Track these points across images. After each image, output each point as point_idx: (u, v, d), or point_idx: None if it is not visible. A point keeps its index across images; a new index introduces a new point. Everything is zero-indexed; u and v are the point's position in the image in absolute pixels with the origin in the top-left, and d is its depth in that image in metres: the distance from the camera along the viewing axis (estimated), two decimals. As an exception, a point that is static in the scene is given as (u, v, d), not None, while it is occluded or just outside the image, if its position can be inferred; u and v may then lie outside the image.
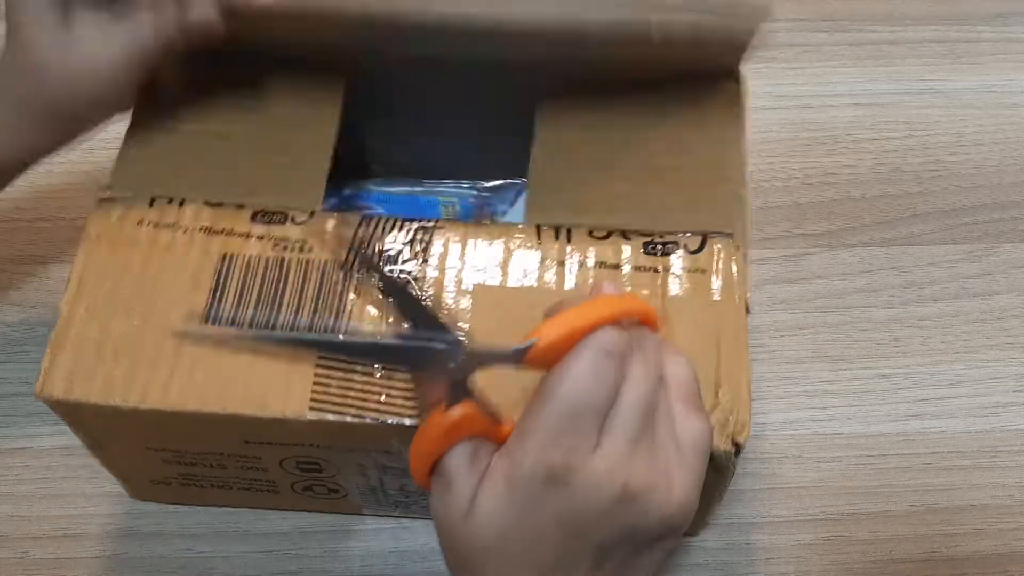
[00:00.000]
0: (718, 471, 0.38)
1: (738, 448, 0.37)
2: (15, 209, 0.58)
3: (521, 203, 0.53)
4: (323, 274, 0.40)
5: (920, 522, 0.48)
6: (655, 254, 0.41)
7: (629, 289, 0.40)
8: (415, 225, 0.41)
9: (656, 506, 0.32)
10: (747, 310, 0.39)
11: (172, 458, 0.42)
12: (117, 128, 0.61)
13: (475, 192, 0.54)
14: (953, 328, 0.54)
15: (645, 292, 0.40)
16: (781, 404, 0.51)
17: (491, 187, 0.54)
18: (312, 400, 0.37)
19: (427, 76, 0.47)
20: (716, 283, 0.40)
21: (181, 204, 0.42)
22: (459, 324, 0.39)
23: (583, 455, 0.32)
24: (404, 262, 0.40)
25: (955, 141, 0.61)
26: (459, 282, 0.40)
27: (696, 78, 0.45)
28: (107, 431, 0.40)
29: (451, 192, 0.54)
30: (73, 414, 0.39)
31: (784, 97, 0.62)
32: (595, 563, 0.33)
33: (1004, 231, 0.57)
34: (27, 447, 0.50)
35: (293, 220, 0.41)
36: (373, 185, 0.55)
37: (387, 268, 0.40)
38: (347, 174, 0.44)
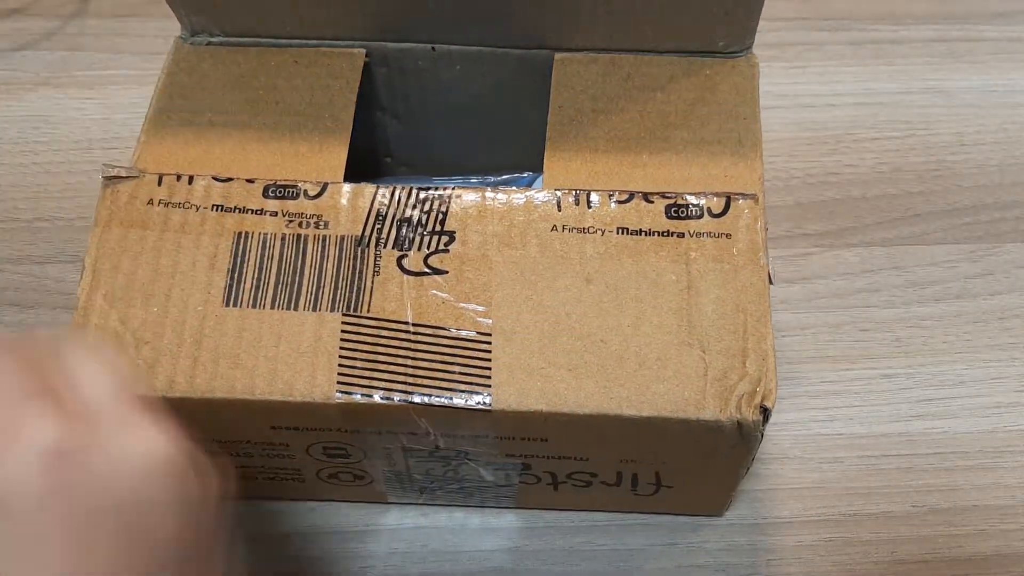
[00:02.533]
0: (746, 440, 0.38)
1: (766, 415, 0.37)
2: (13, 209, 0.58)
3: None
4: (341, 250, 0.40)
5: (922, 523, 0.48)
6: (679, 217, 0.40)
7: (652, 259, 0.40)
8: (432, 193, 0.41)
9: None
10: (771, 281, 0.39)
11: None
12: (116, 128, 0.61)
13: (484, 187, 0.55)
14: (955, 328, 0.53)
15: (667, 263, 0.39)
16: (782, 405, 0.51)
17: (499, 181, 0.54)
18: (339, 383, 0.37)
19: (440, 67, 0.48)
20: (740, 249, 0.40)
21: (190, 181, 0.41)
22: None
23: None
24: (422, 230, 0.40)
25: (956, 140, 0.60)
26: (479, 250, 0.40)
27: (709, 55, 0.45)
28: None
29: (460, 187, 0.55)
30: None
31: (785, 96, 0.62)
32: None
33: (1006, 231, 0.57)
34: (26, 448, 0.50)
35: (306, 193, 0.41)
36: (382, 184, 0.54)
37: (406, 236, 0.40)
38: (360, 168, 0.44)
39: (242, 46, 0.46)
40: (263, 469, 0.44)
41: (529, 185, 0.53)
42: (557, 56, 0.46)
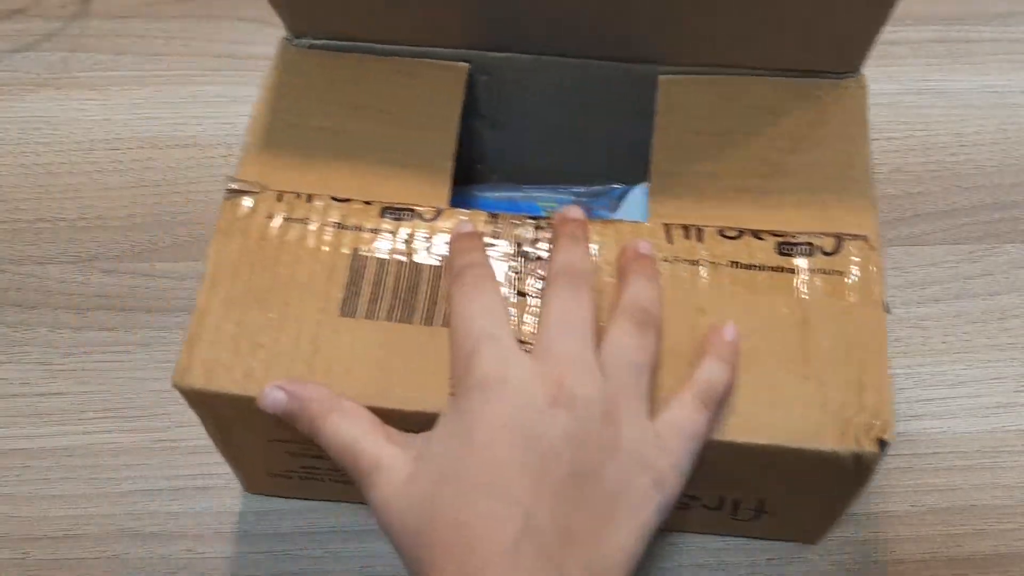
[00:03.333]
0: (861, 473, 0.38)
1: (883, 447, 0.37)
2: (15, 209, 0.58)
3: (624, 207, 0.51)
4: None
5: (921, 522, 0.48)
6: (789, 255, 0.40)
7: (765, 293, 0.39)
8: (544, 223, 0.41)
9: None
10: (886, 310, 0.39)
11: (298, 450, 0.42)
12: (117, 129, 0.61)
13: (572, 197, 0.53)
14: (954, 328, 0.54)
15: (781, 297, 0.39)
16: (782, 404, 0.51)
17: (590, 192, 0.53)
18: (451, 395, 0.37)
19: (541, 76, 0.47)
20: (853, 285, 0.39)
21: (309, 199, 0.42)
22: None
23: None
24: (535, 255, 0.40)
25: (955, 141, 0.61)
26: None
27: (815, 75, 0.45)
28: (239, 422, 0.40)
29: (549, 197, 0.53)
30: (209, 404, 0.39)
31: (785, 97, 0.62)
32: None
33: (1005, 231, 0.57)
34: (27, 448, 0.50)
35: (421, 217, 0.41)
36: (476, 191, 0.54)
37: (519, 260, 0.40)
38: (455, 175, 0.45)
39: (345, 51, 0.46)
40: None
41: (621, 198, 0.52)
42: (662, 78, 0.45)
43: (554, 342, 0.36)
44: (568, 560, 0.32)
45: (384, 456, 0.35)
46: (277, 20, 0.47)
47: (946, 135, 0.61)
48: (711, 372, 0.37)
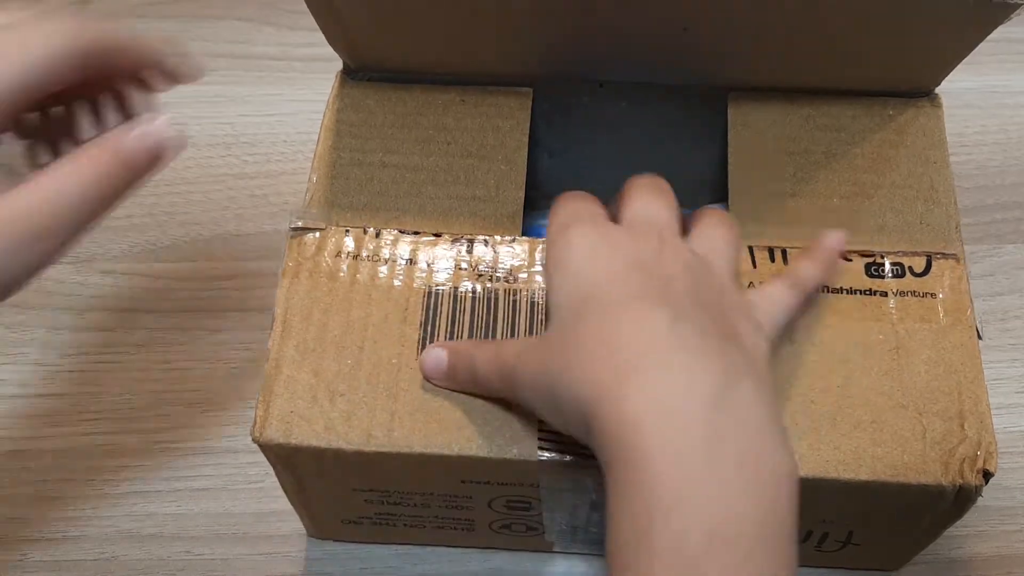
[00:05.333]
0: (961, 505, 0.37)
1: (988, 478, 0.36)
2: (14, 210, 0.58)
3: None
4: (532, 305, 0.39)
5: (922, 524, 0.48)
6: (880, 276, 0.39)
7: (856, 318, 0.39)
8: None
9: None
10: (979, 336, 0.38)
11: (376, 498, 0.41)
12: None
13: None
14: (955, 329, 0.53)
15: (872, 322, 0.38)
16: (783, 406, 0.51)
17: None
18: (540, 439, 0.36)
19: (604, 102, 0.46)
20: (944, 307, 0.39)
21: (377, 234, 0.41)
22: None
23: None
24: None
25: (957, 142, 0.60)
26: None
27: (891, 96, 0.44)
28: (318, 473, 0.39)
29: None
30: (289, 457, 0.38)
31: (785, 97, 0.62)
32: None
33: (1007, 232, 0.57)
34: (26, 449, 0.50)
35: (494, 247, 0.40)
36: (530, 218, 0.52)
37: None
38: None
39: (405, 83, 0.45)
40: (435, 519, 0.43)
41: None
42: (732, 94, 0.44)
43: (643, 210, 0.36)
44: (727, 344, 0.32)
45: (519, 342, 0.37)
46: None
47: (947, 135, 0.60)
48: (804, 268, 0.38)
